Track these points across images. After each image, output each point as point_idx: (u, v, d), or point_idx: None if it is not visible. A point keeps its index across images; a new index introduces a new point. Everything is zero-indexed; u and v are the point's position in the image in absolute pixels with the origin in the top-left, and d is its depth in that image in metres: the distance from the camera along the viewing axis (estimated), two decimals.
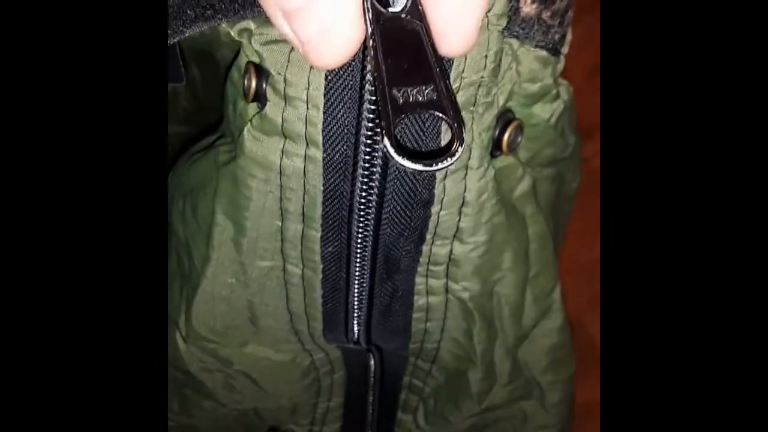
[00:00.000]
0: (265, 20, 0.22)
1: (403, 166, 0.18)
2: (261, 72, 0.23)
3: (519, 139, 0.24)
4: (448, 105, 0.18)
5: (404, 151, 0.18)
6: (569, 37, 0.24)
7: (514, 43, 0.22)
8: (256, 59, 0.23)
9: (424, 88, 0.18)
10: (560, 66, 0.24)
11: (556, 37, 0.23)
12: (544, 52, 0.23)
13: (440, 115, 0.18)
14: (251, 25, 0.22)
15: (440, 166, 0.18)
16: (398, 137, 0.21)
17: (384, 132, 0.18)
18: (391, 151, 0.18)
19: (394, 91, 0.18)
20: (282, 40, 0.22)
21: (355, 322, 0.28)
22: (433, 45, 0.18)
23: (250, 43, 0.23)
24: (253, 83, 0.23)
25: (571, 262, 0.68)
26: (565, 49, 0.24)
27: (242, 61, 0.23)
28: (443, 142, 0.22)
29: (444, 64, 0.18)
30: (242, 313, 0.28)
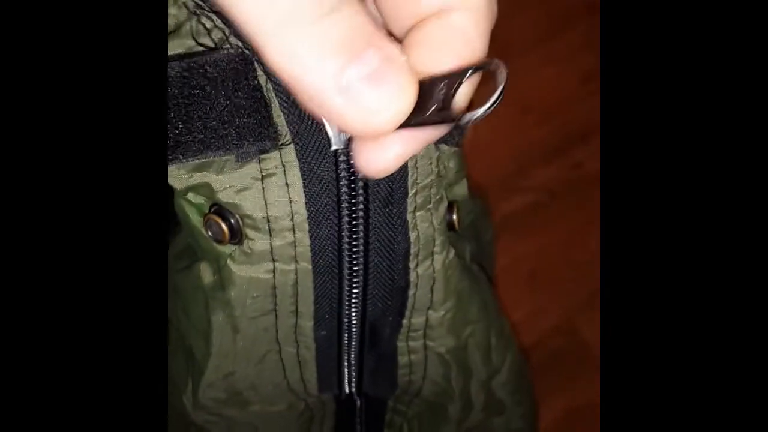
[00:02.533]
0: (226, 169, 0.24)
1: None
2: (226, 214, 0.25)
3: (461, 215, 0.29)
4: (461, 71, 0.19)
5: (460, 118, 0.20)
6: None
7: (444, 147, 0.26)
8: (209, 205, 0.25)
9: (436, 92, 0.19)
10: None
11: (461, 136, 0.27)
12: (457, 148, 0.27)
13: (461, 81, 0.19)
14: (211, 178, 0.24)
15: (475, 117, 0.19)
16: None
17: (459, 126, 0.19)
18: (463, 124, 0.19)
19: (431, 114, 0.19)
20: (252, 184, 0.24)
21: (346, 383, 0.32)
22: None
23: (205, 195, 0.25)
24: (224, 227, 0.25)
25: (565, 263, 0.69)
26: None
27: (188, 211, 0.25)
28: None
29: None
30: (244, 386, 0.31)
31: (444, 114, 0.19)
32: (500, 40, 0.26)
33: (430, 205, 0.26)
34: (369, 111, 0.18)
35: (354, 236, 0.25)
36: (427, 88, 0.19)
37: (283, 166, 0.24)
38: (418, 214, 0.26)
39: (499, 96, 0.18)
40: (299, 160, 0.24)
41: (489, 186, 0.34)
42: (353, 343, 0.29)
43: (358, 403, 0.35)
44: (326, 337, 0.29)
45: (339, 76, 0.17)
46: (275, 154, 0.23)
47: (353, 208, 0.25)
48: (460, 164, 0.28)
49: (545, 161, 0.74)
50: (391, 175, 0.24)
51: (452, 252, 0.28)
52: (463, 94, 0.19)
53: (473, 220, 0.34)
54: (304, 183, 0.24)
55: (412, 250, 0.27)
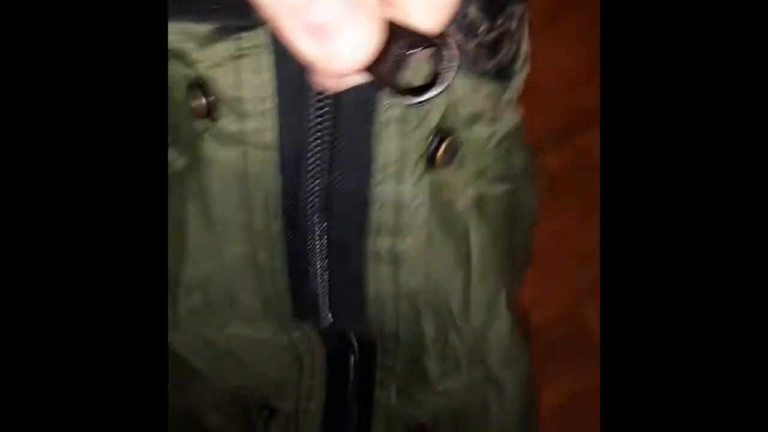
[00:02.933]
0: (204, 42, 0.24)
1: (413, 101, 0.21)
2: (207, 91, 0.25)
3: (455, 156, 0.27)
4: (419, 37, 0.19)
5: (414, 90, 0.20)
6: (525, 70, 0.26)
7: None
8: (194, 77, 0.25)
9: (395, 47, 0.19)
10: (507, 94, 0.27)
11: (487, 67, 0.25)
12: (474, 79, 0.25)
13: (422, 48, 0.20)
14: (188, 47, 0.24)
15: (433, 92, 0.20)
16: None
17: (401, 89, 0.20)
18: (412, 95, 0.20)
19: (384, 66, 0.20)
20: (228, 61, 0.24)
21: (319, 305, 0.31)
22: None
23: (189, 65, 0.25)
24: (204, 102, 0.25)
25: (567, 251, 0.69)
26: (516, 82, 0.26)
27: (178, 79, 0.25)
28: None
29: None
30: (220, 295, 0.31)
31: (396, 77, 0.20)
32: None
33: (407, 125, 0.25)
34: (330, 55, 0.18)
35: (318, 131, 0.25)
36: (390, 39, 0.19)
37: (259, 48, 0.24)
38: (389, 128, 0.25)
39: (447, 79, 0.19)
40: (273, 44, 0.24)
41: None
42: (323, 255, 0.29)
43: (352, 348, 0.34)
44: (294, 243, 0.28)
45: (301, 16, 0.18)
46: (253, 34, 0.23)
47: (321, 102, 0.25)
48: (477, 100, 0.26)
49: (549, 146, 0.73)
50: None
51: (425, 183, 0.27)
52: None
53: (503, 176, 0.31)
54: (276, 69, 0.24)
55: (377, 164, 0.26)
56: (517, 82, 0.27)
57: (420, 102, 0.21)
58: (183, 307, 0.31)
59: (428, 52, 0.20)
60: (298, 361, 0.35)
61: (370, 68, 0.20)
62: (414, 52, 0.20)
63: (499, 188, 0.31)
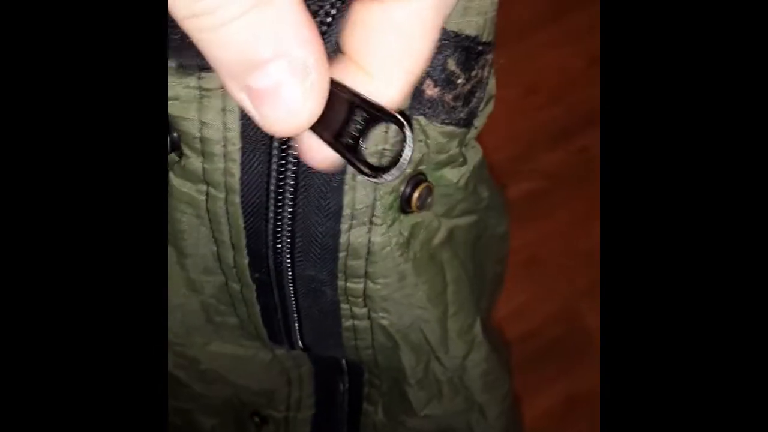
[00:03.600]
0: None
1: (374, 181, 0.20)
2: (170, 127, 0.24)
3: (429, 199, 0.26)
4: (379, 114, 0.19)
5: (374, 168, 0.20)
6: (488, 109, 0.26)
7: (422, 119, 0.24)
8: None
9: (355, 118, 0.19)
10: (471, 134, 0.26)
11: (462, 115, 0.24)
12: (450, 127, 0.25)
13: (381, 122, 0.19)
14: None
15: (390, 176, 0.20)
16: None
17: (358, 167, 0.20)
18: (358, 164, 0.20)
19: (343, 139, 0.19)
20: (191, 101, 0.23)
21: (290, 336, 0.31)
22: (339, 85, 0.19)
23: None
24: (168, 138, 0.25)
25: (566, 250, 0.69)
26: (479, 122, 0.26)
27: None
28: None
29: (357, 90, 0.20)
30: (198, 315, 0.31)
31: (356, 153, 0.19)
32: (507, 19, 0.26)
33: None
34: (267, 118, 0.18)
35: (281, 179, 0.25)
36: (338, 102, 0.19)
37: (223, 89, 0.23)
38: (358, 177, 0.25)
39: (403, 163, 0.19)
40: None
41: (492, 170, 0.33)
42: (290, 293, 0.29)
43: (340, 374, 0.34)
44: (262, 280, 0.28)
45: (240, 80, 0.18)
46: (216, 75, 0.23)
47: (286, 150, 0.24)
48: (450, 147, 0.26)
49: (550, 145, 0.73)
50: None
51: (396, 229, 0.26)
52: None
53: (469, 210, 0.32)
54: (241, 113, 0.23)
55: (345, 212, 0.25)
56: (481, 121, 0.26)
57: (378, 182, 0.21)
58: None
59: (386, 128, 0.20)
60: (285, 375, 0.35)
61: (324, 138, 0.19)
62: (371, 127, 0.19)
63: (467, 220, 0.31)
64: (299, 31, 0.17)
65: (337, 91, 0.19)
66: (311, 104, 0.18)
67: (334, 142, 0.19)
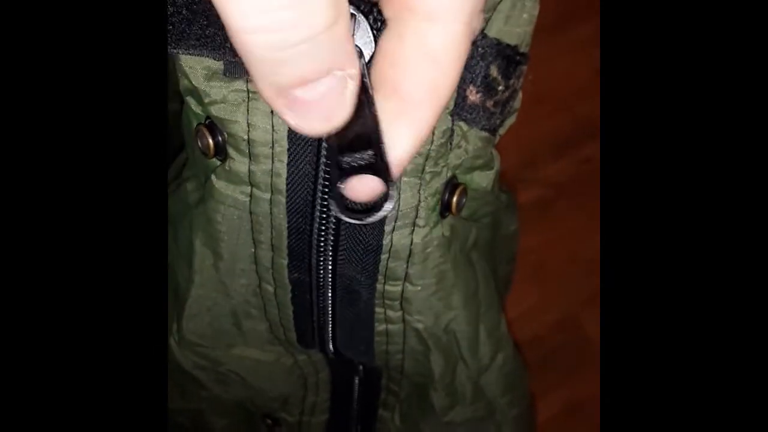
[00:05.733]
0: (215, 79, 0.23)
1: (343, 219, 0.21)
2: (215, 129, 0.25)
3: (464, 201, 0.27)
4: (382, 168, 0.20)
5: (347, 206, 0.21)
6: (511, 120, 0.27)
7: (463, 125, 0.25)
8: (204, 116, 0.25)
9: (364, 153, 0.20)
10: (495, 141, 0.27)
11: (497, 122, 0.25)
12: (486, 134, 0.25)
13: (375, 176, 0.20)
14: (200, 85, 0.24)
15: (370, 219, 0.21)
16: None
17: (331, 189, 0.21)
18: (333, 206, 0.21)
19: (341, 157, 0.20)
20: (239, 103, 0.24)
21: (322, 338, 0.31)
22: (374, 114, 0.20)
23: (201, 103, 0.25)
24: (210, 142, 0.25)
25: (569, 259, 0.69)
26: (502, 131, 0.27)
27: (194, 115, 0.25)
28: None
29: (381, 132, 0.20)
30: (227, 319, 0.31)
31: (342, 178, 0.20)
32: None
33: (421, 175, 0.25)
34: (302, 122, 0.18)
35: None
36: (363, 129, 0.19)
37: None
38: (404, 179, 0.25)
39: (384, 214, 0.20)
40: None
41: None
42: (327, 294, 0.29)
43: (357, 371, 0.35)
44: (300, 281, 0.28)
45: (284, 91, 0.18)
46: None
47: (329, 148, 0.24)
48: (485, 153, 0.27)
49: (555, 155, 0.73)
50: None
51: (439, 231, 0.27)
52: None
53: (492, 212, 0.33)
54: None
55: (390, 213, 0.26)
56: (504, 130, 0.27)
57: (359, 222, 0.22)
58: (188, 328, 0.31)
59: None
60: (303, 380, 0.35)
61: (329, 142, 0.20)
62: (367, 172, 0.20)
63: (486, 220, 0.32)
64: (347, 49, 0.18)
65: (368, 123, 0.20)
66: (346, 112, 0.19)
67: (336, 155, 0.20)
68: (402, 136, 0.20)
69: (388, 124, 0.20)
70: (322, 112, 0.18)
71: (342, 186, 0.20)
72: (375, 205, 0.21)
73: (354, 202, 0.23)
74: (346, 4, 0.17)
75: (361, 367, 0.35)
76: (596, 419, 0.21)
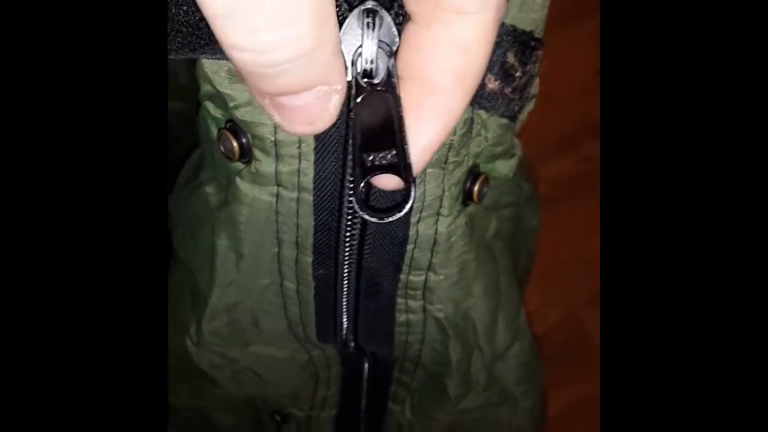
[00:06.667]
0: (240, 81, 0.23)
1: (365, 217, 0.22)
2: (238, 132, 0.25)
3: (485, 189, 0.28)
4: (403, 168, 0.21)
5: (367, 204, 0.22)
6: (529, 106, 0.27)
7: (483, 113, 0.25)
8: (225, 120, 0.25)
9: (387, 153, 0.21)
10: (517, 129, 0.28)
11: (516, 108, 0.25)
12: (506, 120, 0.26)
13: (398, 174, 0.21)
14: (224, 88, 0.24)
15: (390, 219, 0.22)
16: (367, 192, 0.25)
17: (353, 188, 0.21)
18: (355, 205, 0.22)
19: (364, 156, 0.21)
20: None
21: (344, 331, 0.31)
22: (399, 115, 0.20)
23: (222, 107, 0.25)
24: (235, 145, 0.25)
25: (570, 258, 0.69)
26: (522, 116, 0.27)
27: (215, 119, 0.26)
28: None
29: (405, 133, 0.21)
30: (245, 319, 0.31)
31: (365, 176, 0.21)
32: None
33: (444, 165, 0.26)
34: (287, 124, 0.20)
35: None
36: (387, 130, 0.20)
37: None
38: (428, 171, 0.25)
39: (408, 207, 0.21)
40: None
41: None
42: (351, 287, 0.29)
43: (366, 367, 0.35)
44: (325, 276, 0.29)
45: (272, 97, 0.19)
46: None
47: (353, 146, 0.24)
48: (506, 139, 0.27)
49: (557, 153, 0.73)
50: None
51: (462, 220, 0.27)
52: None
53: (513, 202, 0.33)
54: None
55: (415, 205, 0.26)
56: (524, 116, 0.27)
57: (378, 221, 0.22)
58: (208, 328, 0.31)
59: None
60: (315, 375, 0.36)
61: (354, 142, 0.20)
62: (390, 171, 0.21)
63: (509, 213, 0.32)
64: (335, 65, 0.19)
65: (393, 122, 0.20)
66: (329, 119, 0.20)
67: (359, 153, 0.21)
68: (429, 127, 0.20)
69: (414, 114, 0.20)
70: (305, 119, 0.19)
71: (364, 184, 0.21)
72: (396, 204, 0.22)
73: (375, 201, 0.23)
74: (334, 27, 0.18)
75: (371, 358, 0.35)
76: (597, 418, 0.21)
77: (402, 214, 0.21)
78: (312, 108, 0.19)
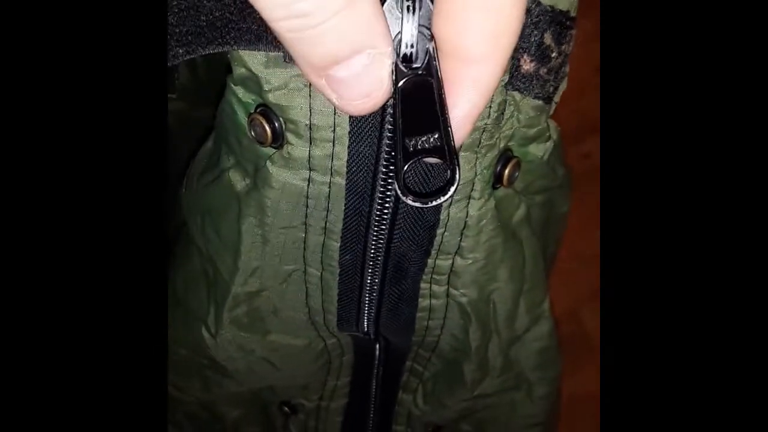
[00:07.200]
0: (275, 66, 0.23)
1: (407, 203, 0.22)
2: (270, 116, 0.25)
3: (517, 173, 0.28)
4: (447, 151, 0.21)
5: (409, 189, 0.22)
6: (563, 86, 0.27)
7: (516, 95, 0.25)
8: (255, 105, 0.25)
9: (430, 136, 0.21)
10: (551, 111, 0.28)
11: (551, 89, 0.26)
12: (540, 102, 0.26)
13: (440, 160, 0.21)
14: (257, 72, 0.24)
15: (435, 203, 0.22)
16: (409, 176, 0.25)
17: (396, 173, 0.21)
18: (398, 191, 0.22)
19: (407, 140, 0.21)
20: (299, 88, 0.24)
21: (366, 318, 0.31)
22: (441, 98, 0.20)
23: (255, 91, 0.25)
24: (268, 129, 0.25)
25: (570, 255, 0.69)
26: (557, 98, 0.27)
27: (244, 103, 0.25)
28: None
29: (448, 116, 0.21)
30: (266, 307, 0.31)
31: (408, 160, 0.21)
32: None
33: (477, 148, 0.25)
34: (345, 101, 0.20)
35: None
36: (431, 114, 0.20)
37: None
38: (461, 154, 0.25)
39: (453, 191, 0.21)
40: None
41: None
42: (377, 273, 0.29)
43: (377, 354, 0.35)
44: (351, 262, 0.29)
45: (322, 71, 0.19)
46: None
47: (395, 131, 0.24)
48: (540, 122, 0.27)
49: None
50: None
51: (492, 203, 0.27)
52: None
53: (546, 187, 0.33)
54: None
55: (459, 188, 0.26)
56: (558, 96, 0.27)
57: (422, 206, 0.22)
58: (227, 318, 0.31)
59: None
60: (327, 364, 0.36)
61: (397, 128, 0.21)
62: (433, 155, 0.21)
63: (541, 198, 0.32)
64: (378, 27, 0.19)
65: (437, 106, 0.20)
66: (384, 88, 0.20)
67: (402, 141, 0.21)
68: (465, 98, 0.21)
69: (451, 87, 0.20)
70: (361, 90, 0.20)
71: (406, 169, 0.21)
72: (439, 188, 0.22)
73: (418, 186, 0.23)
74: None
75: (385, 348, 0.35)
76: (596, 414, 0.21)
77: (447, 197, 0.21)
78: (366, 78, 0.19)
